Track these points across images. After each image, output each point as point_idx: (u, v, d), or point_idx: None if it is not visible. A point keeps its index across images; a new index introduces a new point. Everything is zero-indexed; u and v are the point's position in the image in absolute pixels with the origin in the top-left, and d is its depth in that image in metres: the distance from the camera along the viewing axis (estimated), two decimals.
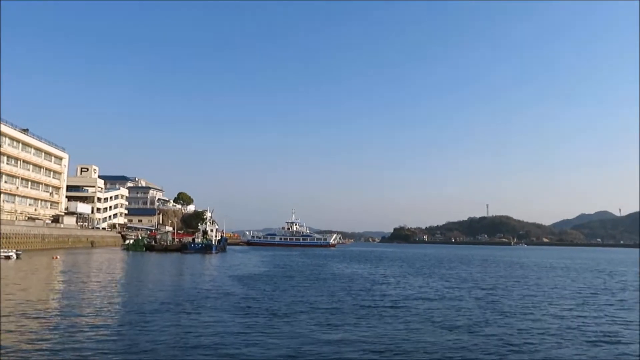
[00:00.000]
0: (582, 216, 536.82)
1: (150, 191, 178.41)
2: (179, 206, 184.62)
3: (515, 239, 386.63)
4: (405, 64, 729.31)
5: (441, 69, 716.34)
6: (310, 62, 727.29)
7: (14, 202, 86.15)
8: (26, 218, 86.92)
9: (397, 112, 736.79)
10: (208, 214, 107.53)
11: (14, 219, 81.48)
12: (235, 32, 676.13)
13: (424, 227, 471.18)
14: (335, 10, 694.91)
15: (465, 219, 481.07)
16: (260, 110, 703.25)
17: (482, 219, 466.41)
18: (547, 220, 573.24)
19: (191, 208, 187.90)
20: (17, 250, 53.75)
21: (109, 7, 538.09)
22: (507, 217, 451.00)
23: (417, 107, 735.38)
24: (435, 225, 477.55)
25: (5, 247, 60.71)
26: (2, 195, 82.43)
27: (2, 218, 76.98)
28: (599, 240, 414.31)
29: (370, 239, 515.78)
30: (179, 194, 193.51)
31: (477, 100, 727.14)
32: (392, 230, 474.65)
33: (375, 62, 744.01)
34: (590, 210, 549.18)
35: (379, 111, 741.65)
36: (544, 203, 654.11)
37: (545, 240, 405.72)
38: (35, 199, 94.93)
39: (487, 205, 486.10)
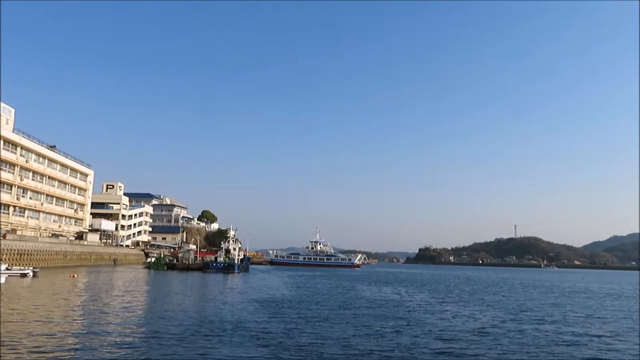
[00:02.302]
0: (614, 238, 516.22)
1: (175, 209, 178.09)
2: (202, 224, 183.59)
3: (545, 261, 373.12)
4: (431, 83, 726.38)
5: (468, 89, 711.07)
6: (330, 81, 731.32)
7: (38, 219, 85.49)
8: (50, 235, 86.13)
9: (424, 131, 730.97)
10: (231, 233, 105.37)
11: (39, 235, 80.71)
12: (253, 49, 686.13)
13: (449, 248, 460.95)
14: (368, 26, 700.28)
15: (493, 239, 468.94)
16: (283, 130, 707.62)
17: (510, 240, 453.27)
18: (577, 242, 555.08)
19: (215, 226, 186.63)
20: (34, 268, 52.02)
21: (137, 28, 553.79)
22: (536, 239, 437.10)
23: (443, 126, 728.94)
24: (461, 246, 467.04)
25: (26, 264, 59.45)
26: (26, 211, 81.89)
27: (26, 234, 76.24)
28: (633, 263, 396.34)
29: (395, 260, 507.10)
30: (203, 211, 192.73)
31: (505, 118, 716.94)
32: (416, 251, 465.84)
33: (399, 82, 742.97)
34: (623, 232, 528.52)
35: (405, 130, 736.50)
36: (574, 224, 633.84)
37: (576, 262, 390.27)
38: (60, 216, 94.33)
39: (515, 226, 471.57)
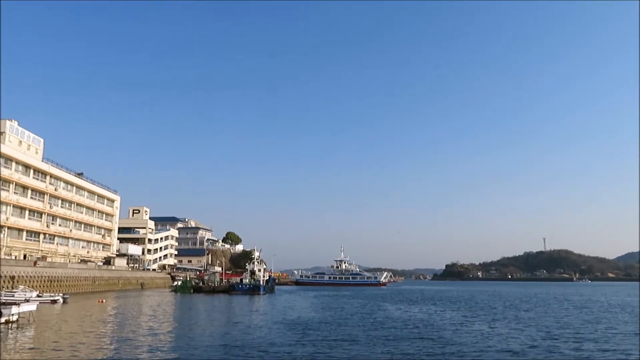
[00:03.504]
0: None
1: (200, 231, 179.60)
2: (227, 246, 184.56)
3: (577, 275, 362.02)
4: (448, 100, 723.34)
5: (494, 100, 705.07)
6: (351, 99, 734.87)
7: (67, 245, 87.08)
8: (79, 260, 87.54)
9: (447, 146, 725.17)
10: (256, 254, 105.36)
11: (68, 261, 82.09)
12: (273, 70, 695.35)
13: (477, 263, 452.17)
14: (384, 45, 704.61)
15: (521, 253, 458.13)
16: (304, 151, 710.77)
17: (540, 253, 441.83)
18: (610, 254, 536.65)
19: (239, 247, 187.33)
20: (64, 294, 52.74)
21: (161, 56, 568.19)
22: (567, 251, 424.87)
23: (468, 141, 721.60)
24: (489, 261, 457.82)
25: (56, 291, 60.39)
26: (56, 238, 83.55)
27: (56, 261, 77.63)
28: None
29: (422, 277, 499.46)
30: (228, 233, 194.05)
31: (531, 131, 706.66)
32: (443, 267, 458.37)
33: (423, 95, 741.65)
34: None
35: (428, 145, 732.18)
36: (607, 235, 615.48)
37: (610, 275, 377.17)
38: (88, 242, 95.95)
39: (544, 239, 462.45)
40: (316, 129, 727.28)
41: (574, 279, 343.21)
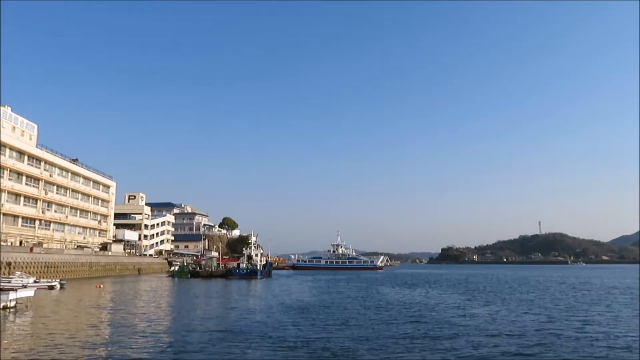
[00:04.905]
0: None
1: (196, 217, 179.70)
2: (224, 231, 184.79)
3: (572, 258, 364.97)
4: (453, 84, 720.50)
5: (490, 88, 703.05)
6: (358, 88, 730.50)
7: (63, 231, 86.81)
8: (75, 246, 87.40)
9: (446, 133, 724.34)
10: (253, 239, 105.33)
11: (64, 247, 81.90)
12: (267, 58, 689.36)
13: (473, 247, 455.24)
14: (392, 34, 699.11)
15: (517, 237, 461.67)
16: (302, 137, 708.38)
17: (535, 236, 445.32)
18: (605, 237, 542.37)
19: (236, 233, 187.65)
20: (60, 280, 52.69)
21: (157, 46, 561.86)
22: (562, 235, 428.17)
23: (464, 127, 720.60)
24: (484, 244, 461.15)
25: (53, 277, 60.38)
26: (51, 224, 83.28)
27: (52, 247, 77.44)
28: None
29: (418, 260, 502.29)
30: (224, 219, 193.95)
31: (527, 118, 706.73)
32: (439, 251, 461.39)
33: (424, 83, 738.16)
34: None
35: (428, 132, 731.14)
36: (601, 219, 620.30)
37: (604, 257, 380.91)
38: (84, 227, 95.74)
39: (540, 223, 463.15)
40: (315, 115, 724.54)
41: (569, 261, 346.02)
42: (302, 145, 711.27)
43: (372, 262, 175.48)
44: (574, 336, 21.86)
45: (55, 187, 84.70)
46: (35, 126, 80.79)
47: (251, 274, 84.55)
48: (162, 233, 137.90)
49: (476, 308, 34.96)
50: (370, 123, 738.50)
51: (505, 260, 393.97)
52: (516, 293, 51.58)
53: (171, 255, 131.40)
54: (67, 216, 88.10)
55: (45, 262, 64.20)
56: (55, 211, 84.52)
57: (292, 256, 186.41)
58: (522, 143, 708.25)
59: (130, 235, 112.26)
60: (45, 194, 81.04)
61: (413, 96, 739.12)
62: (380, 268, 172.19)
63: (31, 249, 64.39)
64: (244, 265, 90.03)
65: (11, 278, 44.69)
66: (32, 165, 77.76)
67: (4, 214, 70.13)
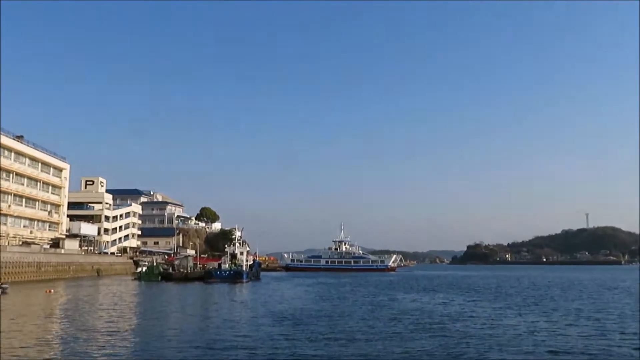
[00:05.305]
0: None
1: (168, 207, 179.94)
2: (202, 224, 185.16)
3: (626, 257, 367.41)
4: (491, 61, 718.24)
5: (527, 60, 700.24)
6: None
7: (5, 224, 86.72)
8: (20, 243, 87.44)
9: (474, 113, 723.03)
10: (237, 233, 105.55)
11: (7, 244, 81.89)
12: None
13: (505, 244, 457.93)
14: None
15: (559, 232, 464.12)
16: (296, 110, 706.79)
17: (581, 231, 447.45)
18: None
19: (217, 226, 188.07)
20: (2, 283, 52.58)
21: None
22: (614, 229, 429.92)
23: (499, 106, 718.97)
24: (519, 241, 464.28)
25: None
26: None
27: None
28: None
29: (438, 260, 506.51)
30: (202, 209, 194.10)
31: (569, 91, 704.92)
32: (464, 249, 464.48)
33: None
34: None
35: (452, 112, 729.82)
36: None
37: None
38: (31, 220, 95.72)
39: (587, 215, 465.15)
40: (315, 92, 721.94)
41: (623, 262, 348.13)
42: (299, 118, 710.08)
43: (382, 262, 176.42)
44: (628, 354, 21.73)
45: None
46: None
47: (235, 276, 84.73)
48: (127, 226, 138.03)
49: (510, 318, 34.85)
50: (388, 90, 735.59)
51: (544, 259, 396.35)
52: (559, 300, 51.55)
53: (138, 253, 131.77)
54: (9, 205, 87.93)
55: None
56: None
57: (286, 255, 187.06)
58: (564, 114, 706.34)
59: (88, 229, 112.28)
60: None
61: (446, 72, 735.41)
62: (393, 269, 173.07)
63: None
64: (227, 265, 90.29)
65: None
66: None
67: None
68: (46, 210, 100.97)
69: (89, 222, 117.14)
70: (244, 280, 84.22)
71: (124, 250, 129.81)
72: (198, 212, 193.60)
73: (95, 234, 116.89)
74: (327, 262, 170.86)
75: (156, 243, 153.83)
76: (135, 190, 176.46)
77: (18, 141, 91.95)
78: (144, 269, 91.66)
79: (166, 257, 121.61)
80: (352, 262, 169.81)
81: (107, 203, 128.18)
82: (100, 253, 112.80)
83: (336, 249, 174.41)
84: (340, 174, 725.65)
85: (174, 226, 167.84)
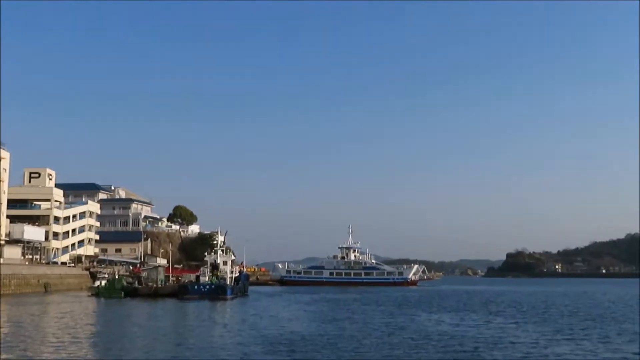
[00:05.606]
0: None
1: (133, 205, 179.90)
2: (175, 227, 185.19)
3: None
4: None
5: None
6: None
7: None
8: None
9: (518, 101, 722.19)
10: (219, 238, 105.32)
11: None
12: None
13: (554, 252, 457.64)
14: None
15: (622, 236, 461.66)
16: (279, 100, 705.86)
17: None
18: None
19: (194, 229, 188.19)
20: None
21: None
22: None
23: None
24: (572, 247, 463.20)
25: None
26: None
27: None
28: None
29: (470, 272, 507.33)
30: (176, 208, 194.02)
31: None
32: (503, 258, 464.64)
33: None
34: None
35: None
36: None
37: None
38: None
39: None
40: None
41: None
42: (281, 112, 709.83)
43: (400, 273, 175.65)
44: None
45: None
46: None
47: (217, 291, 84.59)
48: (82, 229, 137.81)
49: (561, 346, 34.76)
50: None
51: (604, 271, 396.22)
52: (623, 322, 51.42)
53: (95, 263, 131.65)
54: None
55: None
56: None
57: (280, 265, 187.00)
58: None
59: (33, 233, 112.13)
60: None
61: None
62: (414, 283, 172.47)
63: None
64: (206, 278, 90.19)
65: None
66: None
67: None
68: None
69: (34, 223, 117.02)
70: (228, 297, 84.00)
71: (78, 260, 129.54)
72: (171, 211, 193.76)
73: (42, 239, 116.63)
74: (331, 273, 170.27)
75: (118, 250, 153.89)
76: (93, 184, 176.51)
77: None
78: (104, 282, 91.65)
79: (131, 267, 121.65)
80: (363, 274, 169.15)
81: (57, 200, 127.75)
82: (48, 263, 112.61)
83: (343, 258, 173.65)
84: (348, 168, 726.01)
85: (141, 229, 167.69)
